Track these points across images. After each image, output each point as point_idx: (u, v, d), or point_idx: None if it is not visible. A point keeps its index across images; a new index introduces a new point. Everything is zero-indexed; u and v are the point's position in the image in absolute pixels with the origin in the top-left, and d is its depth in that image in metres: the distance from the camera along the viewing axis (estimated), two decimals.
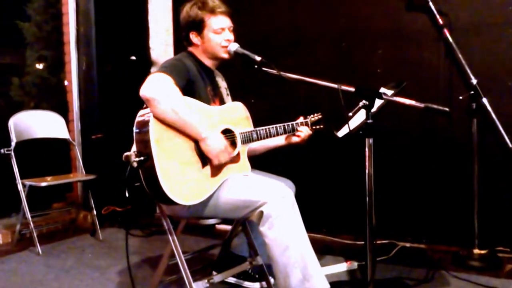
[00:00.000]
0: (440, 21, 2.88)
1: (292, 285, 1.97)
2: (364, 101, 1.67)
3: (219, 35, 2.20)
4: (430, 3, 2.91)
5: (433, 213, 3.15)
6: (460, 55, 2.81)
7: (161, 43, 4.47)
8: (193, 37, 2.24)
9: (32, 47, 5.35)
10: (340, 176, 3.42)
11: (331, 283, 2.05)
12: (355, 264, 2.84)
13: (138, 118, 1.95)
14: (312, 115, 2.44)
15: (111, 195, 4.20)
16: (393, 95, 2.06)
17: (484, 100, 2.76)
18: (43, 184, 3.37)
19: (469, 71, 2.77)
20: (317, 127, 2.43)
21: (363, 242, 3.22)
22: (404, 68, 3.19)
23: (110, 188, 4.15)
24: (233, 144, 2.16)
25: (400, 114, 2.99)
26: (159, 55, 4.48)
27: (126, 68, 4.41)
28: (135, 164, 1.88)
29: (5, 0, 5.65)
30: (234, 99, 2.44)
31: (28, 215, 3.42)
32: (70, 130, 4.46)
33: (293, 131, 2.36)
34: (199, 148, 2.00)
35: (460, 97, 2.77)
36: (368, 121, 1.68)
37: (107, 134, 4.28)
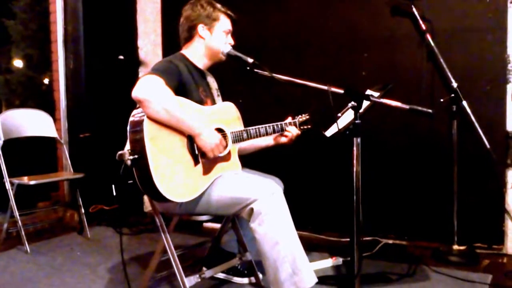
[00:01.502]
0: (423, 27, 2.99)
1: (281, 279, 2.04)
2: (352, 102, 1.76)
3: (226, 37, 2.33)
4: (414, 9, 3.01)
5: (415, 210, 3.26)
6: (441, 59, 2.93)
7: (149, 43, 4.51)
8: (202, 29, 2.31)
9: (18, 45, 5.34)
10: (326, 175, 3.51)
11: (318, 278, 2.12)
12: (340, 260, 2.93)
13: (131, 118, 2.01)
14: (300, 116, 2.51)
15: (99, 193, 4.23)
16: (380, 96, 2.15)
17: (464, 103, 2.87)
18: (32, 182, 3.38)
19: (449, 74, 2.88)
20: (305, 127, 2.50)
21: (348, 239, 3.33)
22: (388, 71, 3.29)
23: (98, 186, 4.18)
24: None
25: (383, 115, 3.10)
26: (147, 55, 4.52)
27: (114, 67, 4.44)
28: (129, 162, 1.94)
29: None
30: (224, 99, 2.50)
31: (16, 213, 3.41)
32: (57, 129, 4.47)
33: (281, 131, 2.43)
34: (192, 147, 2.06)
35: (441, 100, 2.89)
36: (356, 121, 1.76)
37: (95, 133, 4.31)
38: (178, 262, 2.24)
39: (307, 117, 2.51)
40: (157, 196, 1.96)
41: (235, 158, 2.27)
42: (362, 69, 3.35)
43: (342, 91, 1.79)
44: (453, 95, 2.86)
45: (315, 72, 3.46)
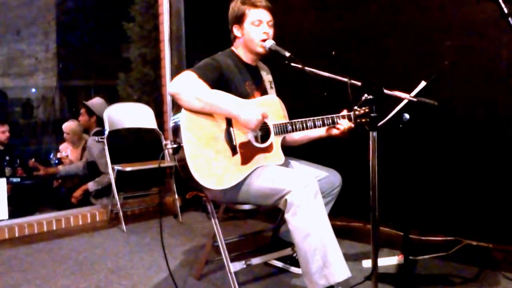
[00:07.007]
0: (505, 10, 2.70)
1: (312, 270, 2.05)
2: (366, 95, 1.70)
3: (257, 28, 2.33)
4: None
5: (502, 210, 2.97)
6: None
7: None
8: (236, 30, 2.41)
9: (135, 44, 5.94)
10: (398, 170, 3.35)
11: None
12: None
13: (174, 110, 2.18)
14: (357, 109, 2.41)
15: None
16: (425, 87, 2.06)
17: None
18: (128, 169, 3.76)
19: None
20: (362, 120, 2.38)
21: (427, 238, 3.17)
22: (472, 58, 3.03)
23: None
24: (267, 135, 2.29)
25: (469, 115, 2.90)
26: None
27: None
28: (170, 151, 2.13)
29: (113, 4, 6.38)
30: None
31: (116, 196, 3.85)
32: (164, 121, 4.91)
33: (333, 123, 2.33)
34: (229, 138, 2.16)
35: None
36: (372, 114, 1.70)
37: None
38: (225, 247, 2.38)
39: (365, 110, 2.37)
40: (194, 182, 2.11)
41: (277, 150, 2.31)
42: (445, 57, 3.13)
43: (359, 84, 1.74)
44: None
45: (397, 62, 3.31)
